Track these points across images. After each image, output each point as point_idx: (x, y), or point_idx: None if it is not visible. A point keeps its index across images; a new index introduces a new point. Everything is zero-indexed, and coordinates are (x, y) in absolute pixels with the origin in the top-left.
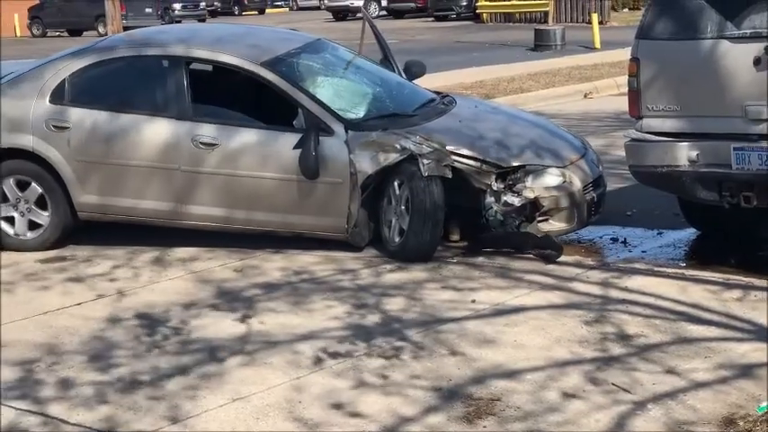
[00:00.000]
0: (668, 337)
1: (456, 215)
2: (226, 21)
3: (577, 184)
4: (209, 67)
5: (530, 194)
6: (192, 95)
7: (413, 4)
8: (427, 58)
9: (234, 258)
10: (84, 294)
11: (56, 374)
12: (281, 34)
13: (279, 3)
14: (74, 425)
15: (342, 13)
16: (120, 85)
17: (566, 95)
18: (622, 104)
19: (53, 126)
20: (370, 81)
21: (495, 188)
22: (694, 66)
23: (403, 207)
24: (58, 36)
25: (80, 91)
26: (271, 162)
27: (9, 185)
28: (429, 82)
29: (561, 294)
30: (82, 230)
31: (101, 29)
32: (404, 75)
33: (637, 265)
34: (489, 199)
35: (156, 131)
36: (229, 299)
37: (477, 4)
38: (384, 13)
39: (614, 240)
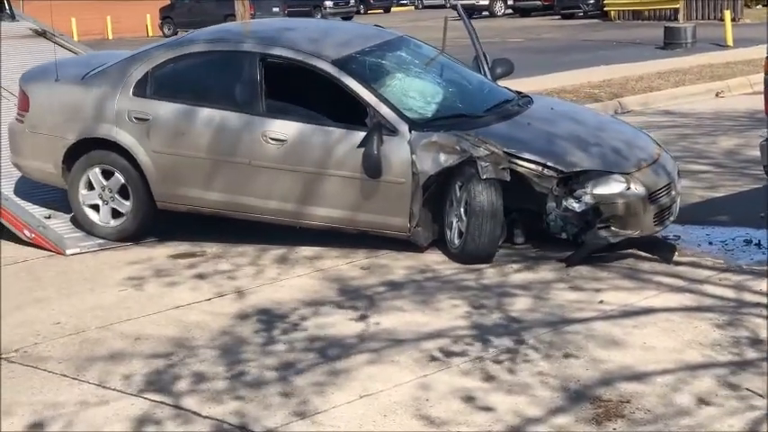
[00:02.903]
0: None
1: (521, 218)
2: (351, 19)
3: (642, 190)
4: (283, 64)
5: (590, 200)
6: (265, 91)
7: (539, 2)
8: (554, 56)
9: (360, 256)
10: (213, 290)
11: (188, 368)
12: (362, 31)
13: (404, 1)
14: (205, 417)
15: (468, 11)
16: (196, 79)
17: (696, 94)
18: (756, 103)
19: (135, 118)
20: (445, 80)
21: (556, 193)
22: None
23: (462, 209)
24: None
25: (160, 84)
26: (336, 160)
27: (95, 174)
28: (553, 81)
29: (692, 296)
30: (211, 228)
31: None
32: (488, 74)
33: None
34: (550, 203)
35: (228, 126)
36: (356, 296)
37: (604, 2)
38: (510, 11)
39: (748, 242)
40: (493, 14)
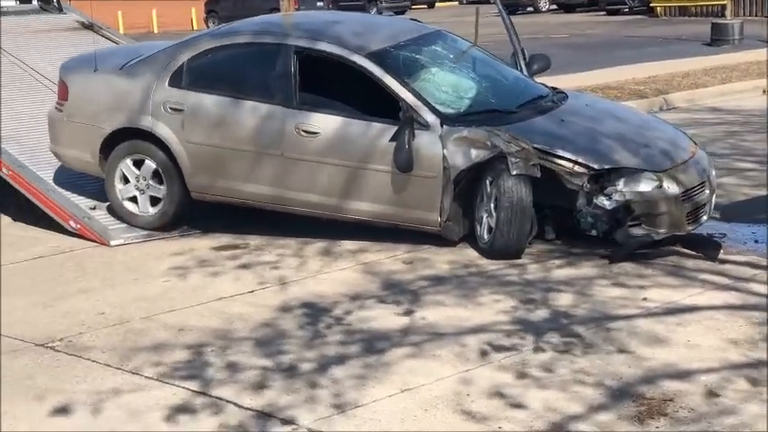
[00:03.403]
0: None
1: (553, 214)
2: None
3: (675, 189)
4: (317, 57)
5: (621, 198)
6: (299, 84)
7: None
8: (599, 52)
9: (402, 251)
10: (256, 282)
11: (229, 359)
12: (398, 25)
13: None
14: (246, 408)
15: (512, 7)
16: (231, 70)
17: (743, 91)
18: None
19: (170, 108)
20: (480, 75)
21: (587, 190)
22: None
23: (492, 205)
24: None
25: (195, 75)
26: (368, 153)
27: (127, 166)
28: (598, 78)
29: (737, 295)
30: (254, 220)
31: None
32: (525, 70)
33: None
34: (581, 200)
35: (261, 117)
36: (397, 290)
37: None
38: (554, 6)
39: None
40: (537, 10)
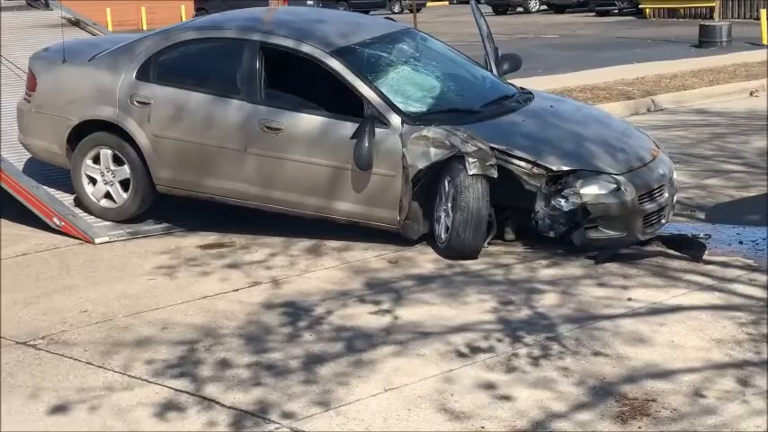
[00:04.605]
0: None
1: (513, 215)
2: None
3: (632, 192)
4: (282, 53)
5: (577, 200)
6: (264, 80)
7: None
8: (588, 53)
9: (389, 250)
10: (241, 280)
11: (213, 356)
12: (368, 22)
13: None
14: (229, 407)
15: (502, 8)
16: (198, 65)
17: (730, 93)
18: None
19: (137, 101)
20: (446, 74)
21: (545, 191)
22: None
23: (450, 204)
24: None
25: (162, 69)
26: (329, 150)
27: (87, 166)
28: (587, 78)
29: (721, 295)
30: (238, 218)
31: None
32: (494, 69)
33: None
34: (539, 202)
35: (226, 113)
36: (383, 289)
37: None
38: (545, 7)
39: None
40: (527, 11)
